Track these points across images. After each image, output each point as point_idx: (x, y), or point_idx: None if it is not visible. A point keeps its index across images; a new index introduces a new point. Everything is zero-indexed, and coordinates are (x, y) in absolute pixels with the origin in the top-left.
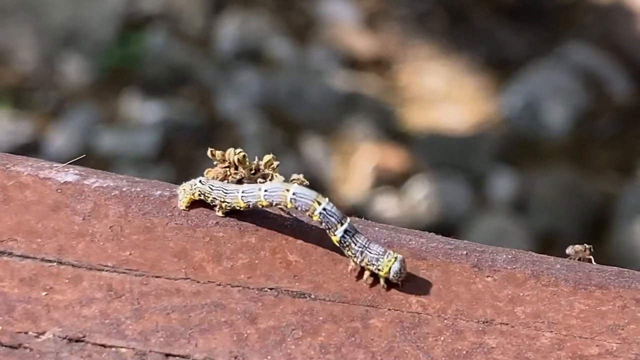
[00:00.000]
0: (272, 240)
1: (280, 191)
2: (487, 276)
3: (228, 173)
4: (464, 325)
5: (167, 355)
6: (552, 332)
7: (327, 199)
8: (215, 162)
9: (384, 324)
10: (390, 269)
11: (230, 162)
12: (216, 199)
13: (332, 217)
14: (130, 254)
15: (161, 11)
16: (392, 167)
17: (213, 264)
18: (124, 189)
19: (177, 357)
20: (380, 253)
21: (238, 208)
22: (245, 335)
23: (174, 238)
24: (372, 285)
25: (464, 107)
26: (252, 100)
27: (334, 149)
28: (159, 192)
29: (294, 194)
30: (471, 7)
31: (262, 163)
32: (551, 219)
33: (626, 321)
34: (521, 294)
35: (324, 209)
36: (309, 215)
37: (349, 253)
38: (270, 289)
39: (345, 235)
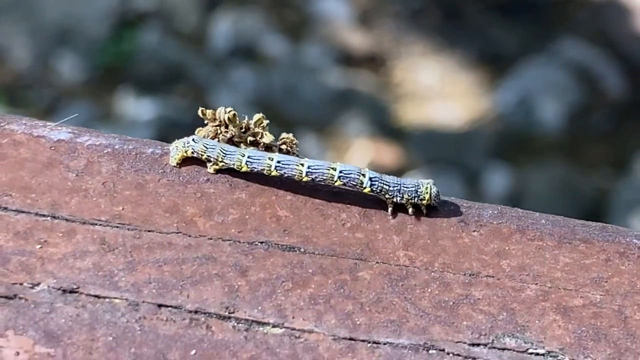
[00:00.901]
0: (262, 196)
1: (293, 164)
2: (474, 231)
3: (219, 131)
4: (451, 277)
5: (160, 305)
6: (537, 284)
7: (339, 163)
8: (205, 121)
9: (373, 276)
10: (431, 195)
11: (220, 121)
12: (211, 157)
13: (351, 174)
14: (122, 209)
15: (155, 9)
16: (387, 163)
17: (204, 219)
18: (116, 147)
19: (170, 308)
20: (415, 184)
21: (238, 169)
22: (236, 287)
23: (165, 194)
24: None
25: (458, 103)
26: (246, 97)
27: (328, 145)
28: (150, 150)
29: (309, 167)
30: (465, 4)
31: (252, 122)
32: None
33: (610, 274)
34: (507, 248)
35: (341, 172)
36: (328, 182)
37: (387, 196)
38: (261, 242)
39: (374, 182)
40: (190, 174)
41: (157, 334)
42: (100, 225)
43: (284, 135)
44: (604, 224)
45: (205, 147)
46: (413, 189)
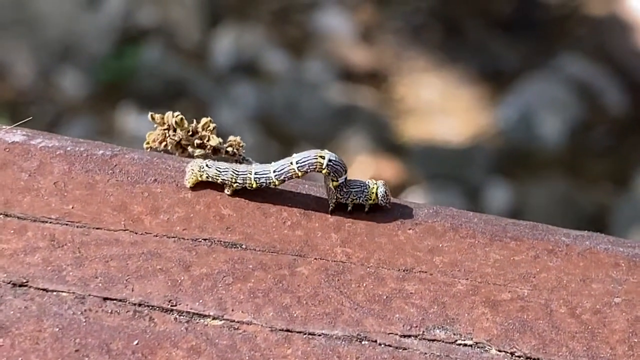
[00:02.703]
0: (207, 196)
1: (287, 166)
2: (409, 228)
3: (167, 135)
4: (386, 273)
5: (105, 299)
6: (467, 279)
7: (327, 152)
8: (155, 125)
9: (310, 271)
10: (377, 195)
11: (169, 125)
12: (226, 180)
13: (339, 166)
14: (72, 207)
15: (157, 25)
16: (388, 179)
17: (151, 217)
18: (68, 149)
19: (115, 301)
20: (363, 184)
21: (249, 188)
22: (179, 281)
23: (114, 193)
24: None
25: (459, 119)
26: (247, 113)
27: None
28: (101, 152)
29: (297, 162)
30: (465, 20)
31: (199, 125)
32: None
33: (538, 270)
34: (440, 245)
35: (330, 161)
36: (317, 170)
37: (338, 195)
38: (204, 239)
39: (345, 180)
40: (138, 175)
41: (101, 325)
42: (50, 222)
43: (231, 138)
44: (535, 223)
45: (219, 171)
46: (359, 189)
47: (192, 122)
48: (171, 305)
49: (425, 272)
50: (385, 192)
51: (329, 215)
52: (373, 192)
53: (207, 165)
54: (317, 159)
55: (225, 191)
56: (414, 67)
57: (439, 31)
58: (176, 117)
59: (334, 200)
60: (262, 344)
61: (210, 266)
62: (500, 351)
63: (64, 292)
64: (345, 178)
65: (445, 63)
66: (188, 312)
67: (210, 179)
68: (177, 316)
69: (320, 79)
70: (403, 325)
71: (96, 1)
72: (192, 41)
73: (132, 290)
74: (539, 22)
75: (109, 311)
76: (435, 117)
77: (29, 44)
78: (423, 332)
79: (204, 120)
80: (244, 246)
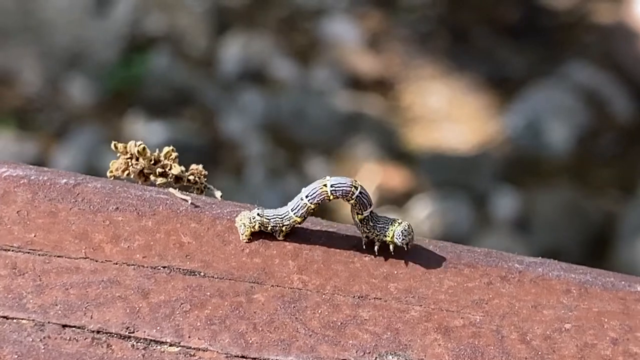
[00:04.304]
0: (168, 224)
1: (319, 189)
2: (365, 256)
3: (129, 164)
4: (341, 299)
5: (64, 326)
6: (421, 305)
7: (359, 184)
8: (117, 154)
9: (267, 298)
10: (394, 234)
11: (131, 154)
12: (276, 227)
13: (365, 199)
14: (34, 236)
15: (165, 33)
16: (395, 186)
17: (111, 245)
18: (32, 178)
19: (73, 328)
20: (386, 222)
21: (297, 224)
22: (138, 308)
23: (76, 222)
24: (379, 253)
25: (466, 127)
26: (255, 121)
27: (336, 169)
28: (64, 181)
29: (332, 186)
30: (473, 27)
31: (162, 155)
32: (553, 237)
33: (490, 296)
34: (395, 272)
35: (360, 193)
36: (346, 200)
37: (365, 229)
38: (164, 267)
39: (370, 215)
40: (100, 203)
41: (60, 352)
42: (12, 251)
43: (192, 166)
44: (489, 250)
45: (268, 220)
46: (383, 225)
47: (155, 151)
48: (129, 332)
49: (380, 298)
50: (402, 232)
51: (287, 243)
52: (391, 231)
53: (258, 215)
54: (351, 188)
55: (278, 237)
56: (421, 75)
57: (446, 39)
58: (138, 146)
59: (364, 236)
60: None
61: (168, 293)
62: None
63: (24, 319)
64: (371, 212)
65: (452, 70)
66: (145, 339)
67: (262, 228)
68: (135, 343)
69: (327, 87)
70: (356, 352)
71: (104, 9)
72: (199, 49)
73: (91, 318)
74: (546, 30)
75: (68, 338)
76: (443, 125)
77: (36, 51)
78: (376, 358)
79: (166, 149)
80: (202, 273)
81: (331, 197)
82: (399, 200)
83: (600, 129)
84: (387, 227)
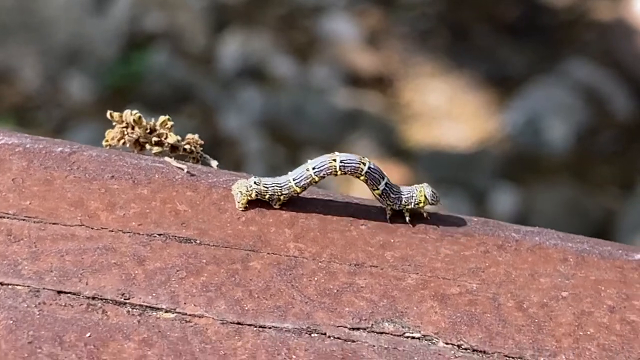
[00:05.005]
0: (163, 192)
1: (327, 163)
2: (362, 224)
3: (125, 133)
4: (337, 267)
5: (59, 292)
6: (417, 273)
7: (367, 160)
8: (113, 123)
9: (263, 266)
10: (426, 197)
11: (127, 123)
12: (274, 195)
13: (376, 174)
14: (30, 203)
15: (164, 30)
16: (394, 183)
17: (107, 213)
18: (27, 146)
19: (68, 294)
20: (410, 190)
21: (295, 195)
22: (133, 275)
23: (71, 189)
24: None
25: (465, 124)
26: (254, 118)
27: None
28: (59, 149)
29: (341, 161)
30: (472, 25)
31: (157, 123)
32: None
33: (487, 264)
34: (392, 240)
35: (370, 168)
36: (356, 176)
37: (388, 202)
38: (159, 234)
39: (386, 188)
40: (96, 171)
41: (55, 317)
42: (7, 218)
43: (189, 135)
44: (486, 219)
45: (266, 188)
46: (409, 194)
47: (151, 120)
48: (124, 299)
49: (376, 266)
50: (432, 192)
51: (283, 211)
52: (421, 195)
53: (254, 183)
54: (360, 164)
55: (275, 206)
56: (420, 72)
57: (445, 36)
58: (134, 115)
59: (389, 209)
60: (213, 336)
61: (164, 260)
62: (447, 344)
63: (19, 285)
64: (386, 184)
65: (451, 68)
66: (141, 306)
67: (259, 196)
68: (130, 309)
69: (326, 84)
70: (352, 318)
71: (103, 6)
72: (198, 46)
73: (86, 284)
74: (546, 28)
75: (63, 304)
76: (442, 122)
77: (36, 49)
78: (372, 325)
79: (161, 118)
80: (198, 241)
81: (339, 173)
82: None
83: (600, 126)
84: (413, 194)
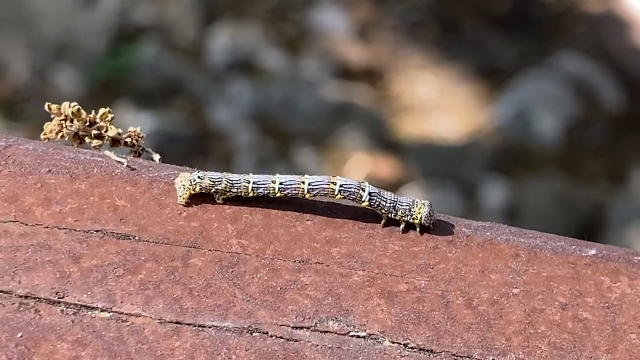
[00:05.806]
0: (102, 187)
1: (295, 183)
2: (307, 220)
3: (64, 126)
4: (281, 264)
5: None
6: (364, 270)
7: (339, 177)
8: (52, 116)
9: (204, 263)
10: (421, 215)
11: (66, 115)
12: (219, 190)
13: (351, 188)
14: None
15: (153, 23)
16: (384, 176)
17: (42, 208)
18: None
19: (0, 293)
20: (410, 203)
21: (245, 196)
22: (68, 273)
23: (6, 184)
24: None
25: (455, 116)
26: (244, 111)
27: (325, 159)
28: None
29: (309, 184)
30: (463, 17)
31: (97, 116)
32: (542, 227)
33: (436, 260)
34: (338, 236)
35: (341, 186)
36: (329, 197)
37: (382, 211)
38: (97, 231)
39: (372, 197)
40: (32, 165)
41: None
42: None
43: (130, 128)
44: (436, 214)
45: (213, 182)
46: (407, 207)
47: (91, 113)
48: (58, 297)
49: (322, 263)
50: (428, 214)
51: (226, 206)
52: (418, 214)
53: (198, 177)
54: (329, 185)
55: (217, 200)
56: (410, 65)
57: (435, 28)
58: (73, 107)
59: (384, 216)
60: (150, 336)
61: (100, 258)
62: (393, 342)
63: None
64: (370, 193)
65: (442, 60)
66: (75, 304)
67: (204, 190)
68: (64, 308)
69: (316, 77)
70: (296, 317)
71: None
72: (188, 39)
73: (19, 282)
74: (536, 20)
75: None
76: (432, 115)
77: (24, 42)
78: (316, 323)
79: (102, 110)
80: (137, 237)
81: (306, 194)
82: (388, 190)
83: (590, 118)
84: (411, 208)
